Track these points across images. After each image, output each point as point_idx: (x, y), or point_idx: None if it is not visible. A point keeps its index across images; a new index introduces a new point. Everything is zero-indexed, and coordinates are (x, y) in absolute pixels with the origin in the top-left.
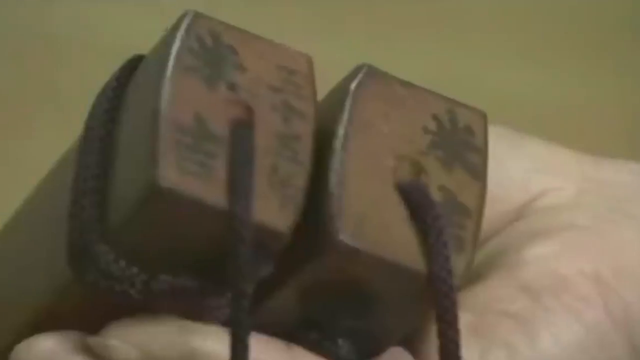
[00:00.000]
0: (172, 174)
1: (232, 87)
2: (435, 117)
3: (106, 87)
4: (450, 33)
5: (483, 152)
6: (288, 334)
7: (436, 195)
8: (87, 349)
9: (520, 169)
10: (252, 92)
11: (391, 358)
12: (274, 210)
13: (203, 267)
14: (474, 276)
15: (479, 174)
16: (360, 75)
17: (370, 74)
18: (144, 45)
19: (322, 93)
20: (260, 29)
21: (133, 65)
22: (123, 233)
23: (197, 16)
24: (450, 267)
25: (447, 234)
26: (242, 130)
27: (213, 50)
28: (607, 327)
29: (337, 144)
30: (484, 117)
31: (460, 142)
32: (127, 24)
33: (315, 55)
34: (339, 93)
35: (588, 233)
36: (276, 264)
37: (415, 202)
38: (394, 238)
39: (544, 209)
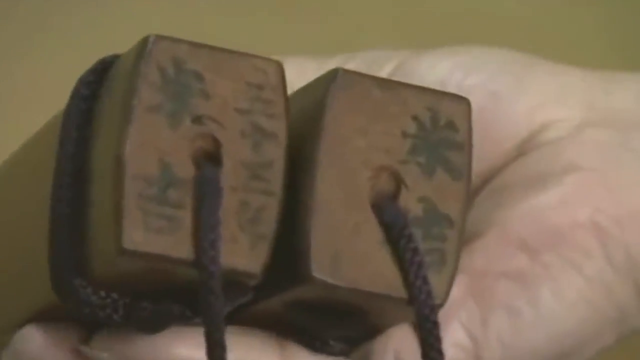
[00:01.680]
0: (136, 235)
1: (197, 119)
2: (415, 118)
3: (76, 94)
4: None
5: (466, 146)
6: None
7: (416, 208)
8: (77, 356)
9: (525, 102)
10: (219, 120)
11: (392, 338)
12: (244, 252)
13: (181, 294)
14: (472, 232)
15: (460, 173)
16: (333, 85)
17: (345, 80)
18: None
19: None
20: None
21: (106, 66)
22: (98, 275)
23: (159, 41)
24: (432, 304)
25: (426, 266)
26: (208, 170)
27: (176, 82)
28: (610, 275)
29: (311, 169)
30: (467, 106)
31: (441, 141)
32: None
33: None
34: (313, 101)
35: (589, 176)
36: (254, 291)
37: (393, 232)
38: (371, 268)
39: (545, 144)
